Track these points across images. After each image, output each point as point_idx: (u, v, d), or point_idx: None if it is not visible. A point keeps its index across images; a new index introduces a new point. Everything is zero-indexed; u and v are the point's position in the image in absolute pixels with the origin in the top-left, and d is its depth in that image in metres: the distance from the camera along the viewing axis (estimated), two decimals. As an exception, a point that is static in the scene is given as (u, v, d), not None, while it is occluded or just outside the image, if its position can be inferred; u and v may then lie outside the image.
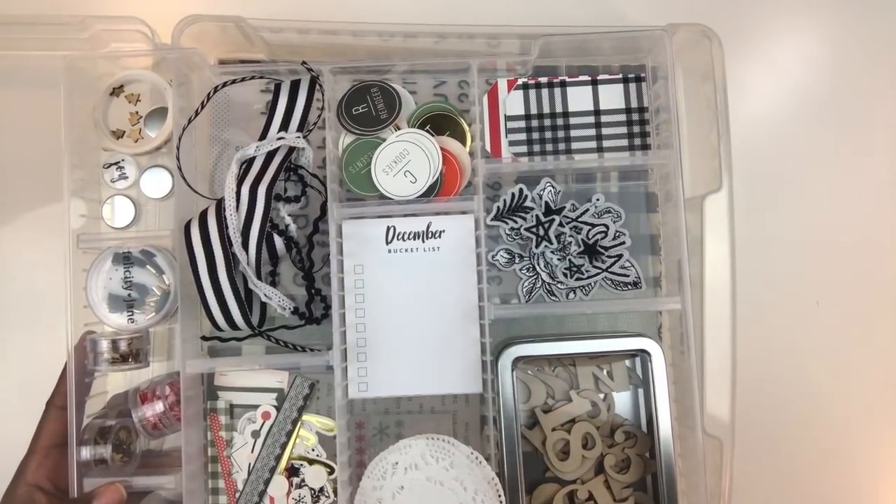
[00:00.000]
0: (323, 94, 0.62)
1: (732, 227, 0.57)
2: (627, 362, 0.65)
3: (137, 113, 0.65)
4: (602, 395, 0.64)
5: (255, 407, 0.65)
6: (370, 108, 0.63)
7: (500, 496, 0.56)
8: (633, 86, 0.65)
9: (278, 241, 0.63)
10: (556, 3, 0.66)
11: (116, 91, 0.65)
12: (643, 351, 0.61)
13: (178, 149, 0.60)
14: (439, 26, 0.59)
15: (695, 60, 0.60)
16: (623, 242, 0.64)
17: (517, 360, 0.61)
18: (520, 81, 0.65)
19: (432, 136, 0.63)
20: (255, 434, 0.65)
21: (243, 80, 0.62)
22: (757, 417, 0.59)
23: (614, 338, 0.62)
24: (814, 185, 0.65)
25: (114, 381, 0.65)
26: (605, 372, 0.64)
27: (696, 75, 0.61)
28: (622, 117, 0.64)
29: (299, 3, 0.64)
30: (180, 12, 0.58)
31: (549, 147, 0.65)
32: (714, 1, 0.66)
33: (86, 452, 0.59)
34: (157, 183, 0.66)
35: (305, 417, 0.65)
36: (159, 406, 0.62)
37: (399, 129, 0.64)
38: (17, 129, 0.67)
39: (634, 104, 0.64)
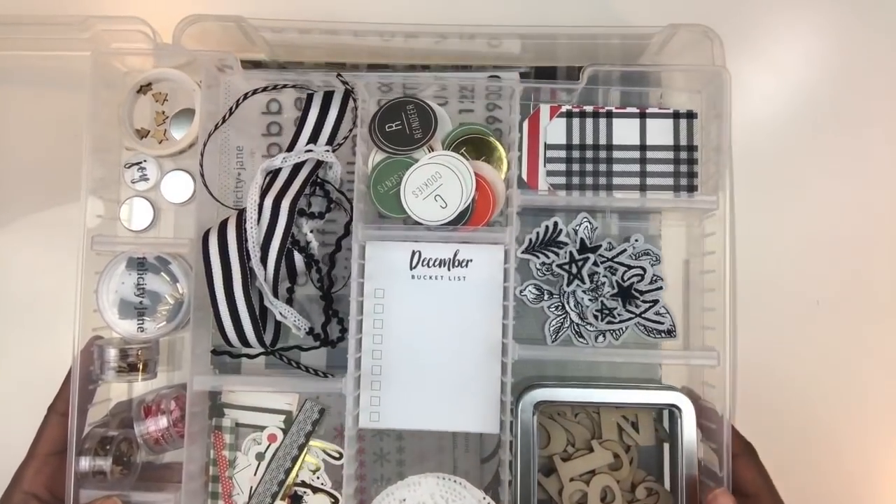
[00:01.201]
0: (357, 109, 0.59)
1: (733, 228, 0.56)
2: (655, 414, 0.61)
3: (164, 113, 0.63)
4: (626, 447, 0.61)
5: (262, 428, 0.62)
6: (404, 125, 0.60)
7: None
8: (683, 122, 0.61)
9: (298, 259, 0.61)
10: (556, 3, 0.65)
11: (144, 89, 0.63)
12: (673, 405, 0.57)
13: (202, 154, 0.58)
14: (440, 26, 0.58)
15: (695, 61, 0.59)
16: (660, 287, 0.60)
17: (538, 404, 0.58)
18: (563, 109, 0.61)
19: (467, 159, 0.60)
20: (260, 456, 0.62)
21: (275, 87, 0.59)
22: (757, 417, 0.58)
23: (644, 389, 0.58)
24: (814, 186, 0.65)
25: (117, 389, 0.63)
26: (630, 423, 0.61)
27: (696, 76, 0.60)
28: (669, 154, 0.61)
29: (300, 2, 0.64)
30: (181, 12, 0.58)
31: (588, 180, 0.61)
32: (715, 1, 0.66)
33: (85, 463, 0.57)
34: (179, 187, 0.63)
35: (312, 443, 0.62)
36: (163, 421, 0.59)
37: (433, 150, 0.61)
38: (18, 129, 0.66)
39: (683, 142, 0.61)
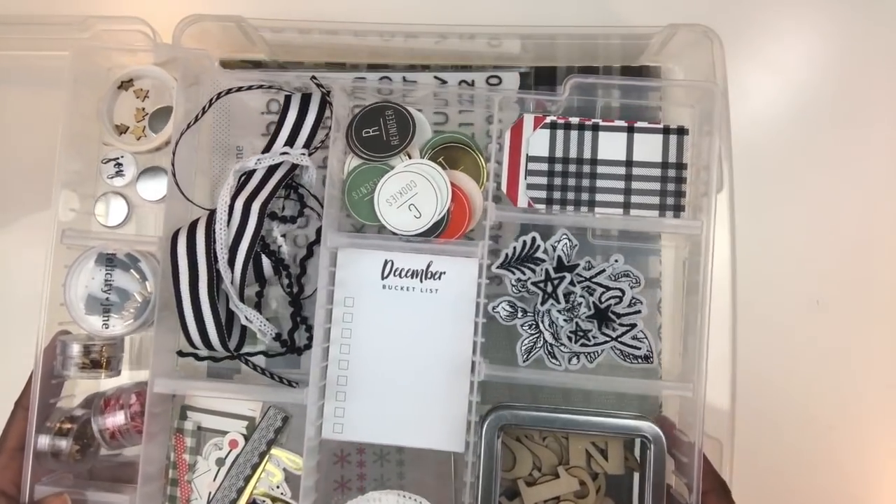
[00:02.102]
0: (332, 112, 0.58)
1: (733, 227, 0.56)
2: (626, 441, 0.58)
3: (144, 109, 0.62)
4: (593, 475, 0.58)
5: (224, 433, 0.61)
6: (382, 131, 0.58)
7: None
8: (673, 138, 0.58)
9: (266, 263, 0.59)
10: (556, 3, 0.65)
11: (125, 85, 0.63)
12: (643, 436, 0.55)
13: (174, 153, 0.57)
14: (440, 26, 0.58)
15: (695, 61, 0.58)
16: (638, 311, 0.58)
17: (504, 426, 0.56)
18: (548, 119, 0.59)
19: (444, 169, 0.58)
20: (220, 462, 0.61)
21: (249, 88, 0.58)
22: (757, 417, 0.59)
23: (613, 417, 0.56)
24: (814, 186, 0.64)
25: (84, 386, 0.62)
26: (599, 450, 0.58)
27: (696, 76, 0.59)
28: (657, 172, 0.58)
29: (300, 2, 0.63)
30: (181, 12, 0.58)
31: (570, 196, 0.59)
32: (715, 1, 0.65)
33: (44, 441, 0.56)
34: (155, 185, 0.63)
35: (274, 451, 0.61)
36: (120, 417, 0.58)
37: (410, 157, 0.59)
38: (18, 128, 0.66)
39: (672, 159, 0.58)
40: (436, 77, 0.61)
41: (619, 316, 0.58)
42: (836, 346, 0.63)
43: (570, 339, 0.58)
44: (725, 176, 0.56)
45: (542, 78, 0.62)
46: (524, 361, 0.59)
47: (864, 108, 0.65)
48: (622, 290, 0.58)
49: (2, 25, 0.60)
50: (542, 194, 0.59)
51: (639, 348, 0.58)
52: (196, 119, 0.57)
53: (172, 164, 0.57)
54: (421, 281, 0.59)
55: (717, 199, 0.56)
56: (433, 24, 0.58)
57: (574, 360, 0.59)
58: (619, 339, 0.58)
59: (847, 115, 0.65)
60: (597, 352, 0.58)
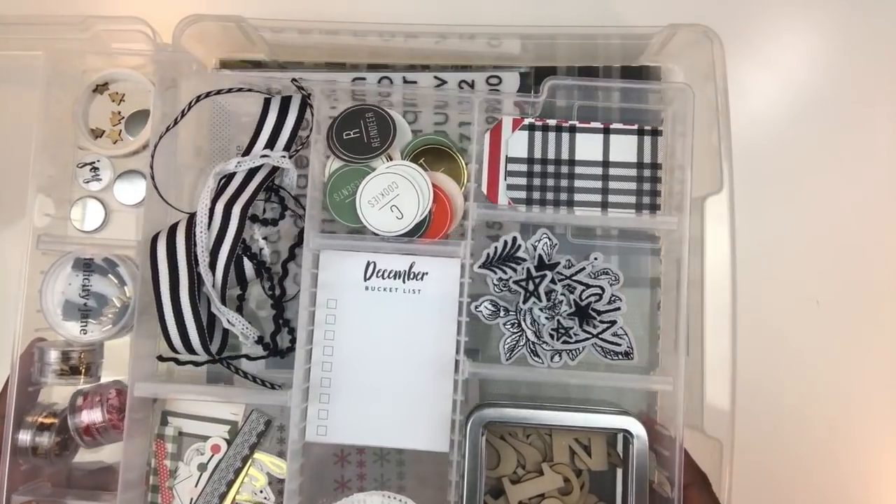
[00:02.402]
0: (312, 115, 0.58)
1: (733, 227, 0.56)
2: (609, 437, 0.59)
3: (120, 113, 0.62)
4: (577, 471, 0.59)
5: (206, 438, 0.61)
6: (362, 133, 0.59)
7: None
8: (647, 139, 0.60)
9: (248, 265, 0.59)
10: (556, 3, 0.65)
11: (100, 88, 0.62)
12: (625, 430, 0.56)
13: (152, 156, 0.57)
14: (440, 26, 0.58)
15: (695, 61, 0.58)
16: (618, 308, 0.59)
17: (488, 424, 0.56)
18: (526, 121, 0.60)
19: (425, 170, 0.58)
20: (202, 467, 0.60)
21: (229, 91, 0.58)
22: (757, 418, 0.59)
23: (595, 412, 0.57)
24: (814, 186, 0.65)
25: (62, 393, 0.61)
26: (582, 446, 0.59)
27: (696, 76, 0.59)
28: (632, 172, 0.59)
29: (300, 2, 0.63)
30: (181, 12, 0.57)
31: (549, 196, 0.60)
32: (715, 1, 0.66)
33: (24, 437, 0.56)
34: (132, 189, 0.62)
35: (257, 456, 0.60)
36: (97, 413, 0.57)
37: (391, 159, 0.59)
38: (18, 129, 0.63)
39: (647, 159, 0.59)
40: (436, 77, 0.62)
41: (599, 313, 0.59)
42: (835, 347, 0.64)
43: (552, 336, 0.59)
44: (725, 176, 0.56)
45: (542, 78, 0.61)
46: (507, 360, 0.60)
47: (865, 108, 0.65)
48: (602, 288, 0.59)
49: (2, 25, 0.59)
50: (522, 194, 0.60)
51: (619, 345, 0.59)
52: (175, 122, 0.57)
53: (151, 168, 0.57)
54: (404, 282, 0.59)
55: (718, 199, 0.56)
56: (433, 24, 0.58)
57: (556, 358, 0.59)
58: (600, 336, 0.59)
59: (847, 115, 0.65)
60: (578, 349, 0.59)
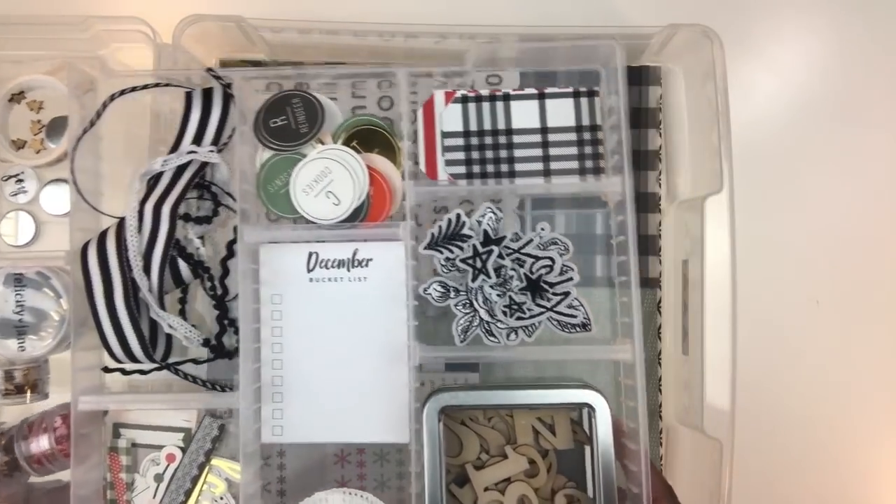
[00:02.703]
0: (234, 105, 0.56)
1: (733, 227, 0.56)
2: (573, 414, 0.57)
3: (40, 122, 0.60)
4: (543, 452, 0.57)
5: (160, 447, 0.59)
6: (290, 120, 0.56)
7: None
8: (584, 101, 0.57)
9: (183, 266, 0.57)
10: (556, 3, 0.65)
11: (17, 97, 0.60)
12: (586, 404, 0.54)
13: (72, 162, 0.55)
14: (440, 26, 0.58)
15: (695, 61, 0.58)
16: (570, 279, 0.57)
17: (444, 409, 0.54)
18: (458, 94, 0.58)
19: (358, 153, 0.56)
20: (159, 478, 0.59)
21: (144, 87, 0.56)
22: (757, 418, 0.60)
23: (555, 388, 0.55)
24: (814, 186, 0.65)
25: (11, 412, 0.60)
26: (546, 426, 0.57)
27: (696, 76, 0.59)
28: (572, 136, 0.57)
29: (300, 2, 0.64)
30: (181, 12, 0.57)
31: (490, 168, 0.58)
32: (715, 1, 0.66)
33: None
34: (59, 198, 0.60)
35: (215, 462, 0.59)
36: (45, 441, 0.56)
37: (323, 143, 0.57)
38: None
39: (586, 122, 0.57)
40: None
41: (551, 285, 0.57)
42: (835, 347, 0.64)
43: (505, 313, 0.57)
44: (725, 176, 0.56)
45: (542, 78, 0.61)
46: (461, 341, 0.58)
47: (864, 108, 0.65)
48: (552, 259, 0.57)
49: (1, 25, 0.59)
50: (462, 169, 0.58)
51: (575, 316, 0.57)
52: (91, 124, 0.55)
53: (72, 175, 0.55)
54: (348, 270, 0.57)
55: (718, 200, 0.56)
56: (433, 25, 0.58)
57: (512, 336, 0.57)
58: (555, 309, 0.57)
59: (847, 115, 0.65)
60: (534, 324, 0.57)
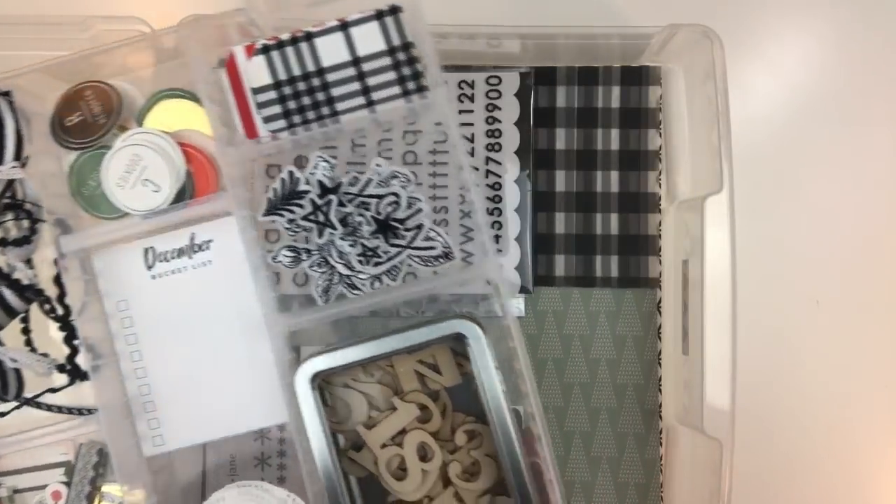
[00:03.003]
0: (15, 112, 0.52)
1: (733, 228, 0.55)
2: (457, 347, 0.54)
3: None
4: (434, 395, 0.54)
5: (43, 487, 0.56)
6: (86, 115, 0.52)
7: None
8: (390, 20, 0.53)
9: (9, 295, 0.53)
10: (556, 3, 0.65)
11: None
12: (458, 334, 0.50)
13: None
14: (440, 26, 0.56)
15: (695, 61, 0.58)
16: (420, 210, 0.53)
17: (318, 376, 0.51)
18: (258, 45, 0.54)
19: (165, 132, 0.52)
20: (49, 518, 0.55)
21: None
22: (757, 418, 0.60)
23: (424, 325, 0.51)
24: (814, 186, 0.65)
25: None
26: (430, 366, 0.54)
27: (696, 76, 0.59)
28: (387, 60, 0.53)
29: (299, 3, 0.61)
30: (181, 12, 0.55)
31: (311, 115, 0.54)
32: (715, 1, 0.66)
33: None
34: None
35: (105, 489, 0.56)
36: None
37: (126, 130, 0.53)
38: None
39: (397, 41, 0.53)
40: None
41: (402, 222, 0.53)
42: (835, 347, 0.63)
43: (361, 262, 0.53)
44: (725, 176, 0.55)
45: (541, 78, 0.60)
46: (323, 302, 0.54)
47: (865, 108, 0.64)
48: (396, 194, 0.53)
49: (1, 25, 0.57)
50: (282, 123, 0.54)
51: (434, 248, 0.53)
52: None
53: None
54: (190, 257, 0.54)
55: (718, 200, 0.55)
56: (433, 25, 0.56)
57: (377, 284, 0.54)
58: (412, 246, 0.53)
59: (847, 115, 0.64)
60: (396, 266, 0.53)
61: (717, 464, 0.54)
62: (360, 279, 0.54)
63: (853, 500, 0.63)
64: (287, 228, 0.54)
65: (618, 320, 0.60)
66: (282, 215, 0.54)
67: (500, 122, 0.60)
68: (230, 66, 0.54)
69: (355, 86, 0.53)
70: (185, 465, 0.56)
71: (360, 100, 0.54)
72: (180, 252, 0.54)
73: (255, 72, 0.54)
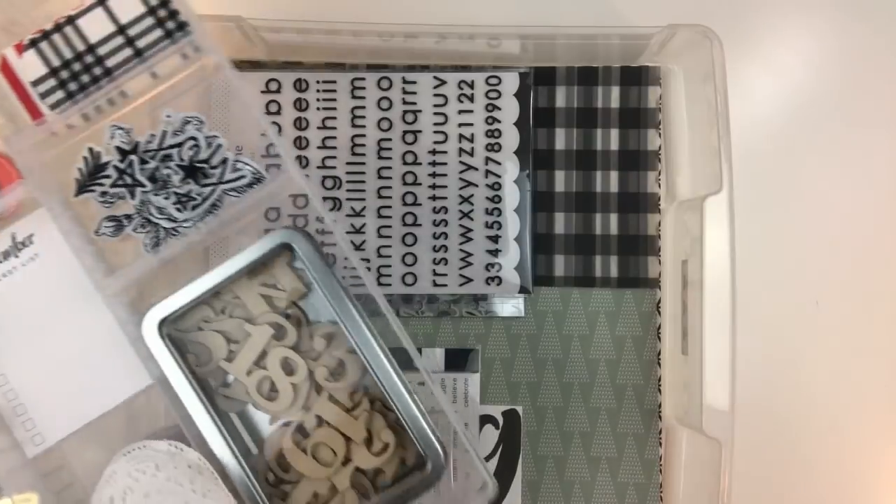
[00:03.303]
0: None
1: (733, 228, 0.56)
2: (297, 263, 0.55)
3: None
4: (283, 312, 0.55)
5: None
6: None
7: (213, 474, 0.49)
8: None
9: None
10: (556, 3, 0.65)
11: None
12: (284, 244, 0.52)
13: None
14: (440, 26, 0.58)
15: (695, 61, 0.58)
16: (220, 145, 0.55)
17: (163, 324, 0.52)
18: (26, 40, 0.55)
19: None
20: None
21: None
22: (757, 418, 0.61)
23: (248, 250, 0.53)
24: (814, 186, 0.65)
25: None
26: (272, 286, 0.55)
27: (696, 76, 0.60)
28: (150, 21, 0.54)
29: (300, 2, 0.64)
30: None
31: (85, 78, 0.55)
32: (714, 1, 0.66)
33: None
34: None
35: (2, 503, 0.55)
36: None
37: None
38: None
39: (154, 1, 0.54)
40: (435, 77, 0.61)
41: (206, 161, 0.55)
42: (836, 347, 0.64)
43: (179, 210, 0.55)
44: (725, 176, 0.55)
45: (541, 78, 0.61)
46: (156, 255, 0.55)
47: (865, 108, 0.65)
48: (193, 137, 0.55)
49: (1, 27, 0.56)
50: (60, 94, 0.54)
51: (244, 176, 0.55)
52: None
53: None
54: (17, 257, 0.54)
55: (717, 200, 0.56)
56: (433, 25, 0.57)
57: (201, 225, 0.54)
58: (223, 180, 0.55)
59: (847, 115, 0.65)
60: (215, 204, 0.54)
61: (717, 464, 0.54)
62: (185, 227, 0.55)
63: (853, 500, 0.64)
64: (101, 202, 0.55)
65: (617, 320, 0.60)
66: (93, 191, 0.55)
67: (499, 122, 0.60)
68: (4, 68, 0.55)
69: (128, 51, 0.55)
70: (80, 458, 0.56)
71: (137, 62, 0.54)
72: (6, 255, 0.54)
73: (30, 66, 0.55)
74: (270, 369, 0.53)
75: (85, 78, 0.54)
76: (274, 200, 0.58)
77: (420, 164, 0.60)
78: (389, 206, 0.60)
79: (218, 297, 0.55)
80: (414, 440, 0.51)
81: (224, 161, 0.54)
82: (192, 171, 0.54)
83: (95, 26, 0.54)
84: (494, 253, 0.59)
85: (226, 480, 0.50)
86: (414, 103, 0.60)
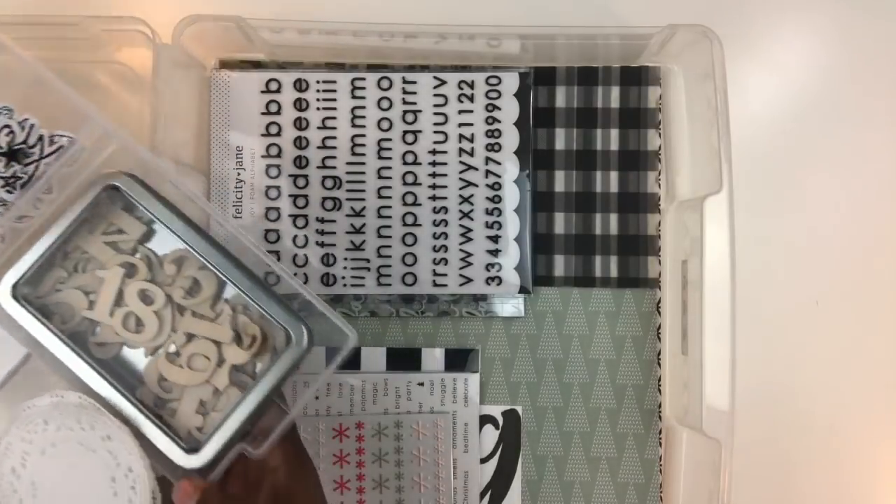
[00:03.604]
0: None
1: (733, 228, 0.56)
2: (122, 204, 0.55)
3: None
4: (129, 251, 0.55)
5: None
6: None
7: (95, 406, 0.50)
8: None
9: None
10: (556, 3, 0.65)
11: None
12: (111, 187, 0.53)
13: None
14: (440, 27, 0.58)
15: (695, 61, 0.58)
16: (32, 125, 0.54)
17: (17, 289, 0.52)
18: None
19: None
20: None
21: None
22: (757, 418, 0.61)
23: (78, 201, 0.53)
24: (814, 186, 0.65)
25: None
26: (116, 233, 0.56)
27: (696, 76, 0.60)
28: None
29: (300, 2, 0.63)
30: (181, 12, 0.57)
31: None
32: (714, 1, 0.66)
33: None
34: None
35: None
36: None
37: None
38: None
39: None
40: (435, 77, 0.61)
41: (24, 143, 0.55)
42: (836, 346, 0.64)
43: (10, 192, 0.55)
44: (725, 176, 0.55)
45: (541, 78, 0.61)
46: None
47: (865, 108, 0.65)
48: (7, 125, 0.54)
49: (1, 25, 0.57)
50: None
51: (62, 145, 0.55)
52: None
53: None
54: None
55: (717, 200, 0.56)
56: (433, 25, 0.58)
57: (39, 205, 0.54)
58: (44, 155, 0.55)
59: (847, 115, 0.65)
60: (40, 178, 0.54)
61: (717, 464, 0.54)
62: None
63: (853, 500, 0.64)
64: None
65: (617, 320, 0.60)
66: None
67: (499, 122, 0.60)
68: None
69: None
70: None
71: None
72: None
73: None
74: (130, 304, 0.54)
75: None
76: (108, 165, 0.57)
77: (420, 164, 0.60)
78: (389, 206, 0.60)
79: (67, 256, 0.55)
80: (276, 323, 0.52)
81: (40, 138, 0.55)
82: (13, 154, 0.55)
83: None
84: (494, 253, 0.59)
85: (115, 414, 0.51)
86: (414, 103, 0.60)
